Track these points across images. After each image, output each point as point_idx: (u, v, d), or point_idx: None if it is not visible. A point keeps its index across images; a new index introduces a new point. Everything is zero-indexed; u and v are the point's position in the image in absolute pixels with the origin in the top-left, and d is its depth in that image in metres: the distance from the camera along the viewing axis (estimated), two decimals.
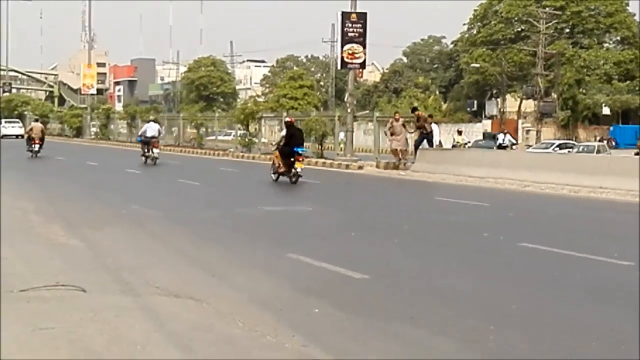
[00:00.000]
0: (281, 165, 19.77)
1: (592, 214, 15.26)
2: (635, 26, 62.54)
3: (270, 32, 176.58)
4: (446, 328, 6.03)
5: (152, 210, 13.49)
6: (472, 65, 61.89)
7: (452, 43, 77.24)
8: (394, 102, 67.65)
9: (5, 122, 59.44)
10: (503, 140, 38.17)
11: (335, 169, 26.99)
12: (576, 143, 42.71)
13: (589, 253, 9.50)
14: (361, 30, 29.06)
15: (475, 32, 66.38)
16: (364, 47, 29.17)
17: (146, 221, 12.10)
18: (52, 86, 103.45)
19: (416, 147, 25.84)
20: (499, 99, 63.91)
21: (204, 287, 7.31)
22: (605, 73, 59.77)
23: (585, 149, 36.47)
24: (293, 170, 19.49)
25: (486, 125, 59.14)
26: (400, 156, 25.58)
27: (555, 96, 57.69)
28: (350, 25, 28.97)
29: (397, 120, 25.69)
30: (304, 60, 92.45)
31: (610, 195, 17.72)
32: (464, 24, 68.16)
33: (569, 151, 35.76)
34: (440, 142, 28.49)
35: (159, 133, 28.83)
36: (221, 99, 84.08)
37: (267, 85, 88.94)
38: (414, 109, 29.06)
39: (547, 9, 58.83)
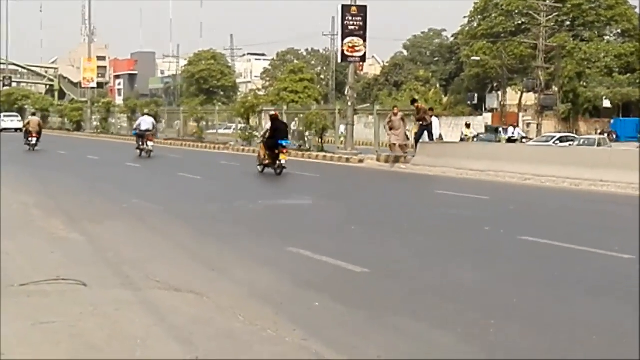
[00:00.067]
0: (266, 157, 20.41)
1: (593, 207, 15.26)
2: (635, 19, 62.38)
3: (271, 25, 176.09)
4: (447, 322, 6.03)
5: (152, 204, 13.49)
6: (473, 58, 61.75)
7: (452, 36, 77.17)
8: (395, 96, 67.54)
9: (4, 116, 59.55)
10: (512, 133, 38.02)
11: (336, 163, 26.97)
12: (577, 136, 42.60)
13: (589, 246, 9.50)
14: (361, 23, 29.00)
15: (475, 25, 66.24)
16: (365, 40, 29.11)
17: (146, 215, 12.10)
18: (52, 80, 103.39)
19: (417, 140, 25.77)
20: (499, 92, 63.81)
21: (204, 281, 7.32)
22: (606, 66, 59.67)
23: (586, 142, 36.38)
24: (277, 162, 20.12)
25: (487, 118, 59.07)
26: (399, 151, 25.43)
27: (556, 89, 57.58)
28: (350, 18, 28.91)
29: (395, 114, 25.57)
30: (305, 54, 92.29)
31: (611, 188, 17.71)
32: (465, 17, 68.10)
33: (569, 144, 35.69)
34: (440, 135, 28.45)
35: (153, 126, 29.74)
36: (221, 93, 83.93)
37: (268, 79, 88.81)
38: (414, 101, 28.98)
39: (547, 1, 58.65)
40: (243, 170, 22.01)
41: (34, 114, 35.67)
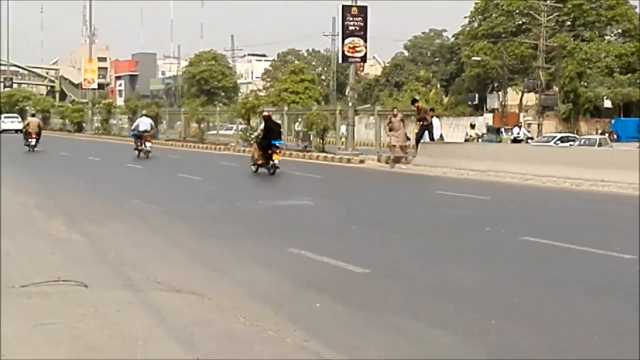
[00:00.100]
0: (260, 157, 20.69)
1: (594, 207, 15.25)
2: (636, 19, 62.38)
3: (271, 26, 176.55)
4: (447, 322, 6.03)
5: (153, 205, 13.50)
6: (474, 58, 61.75)
7: (453, 36, 77.19)
8: (395, 96, 67.52)
9: (5, 117, 59.70)
10: (518, 133, 37.97)
11: (337, 163, 26.97)
12: (577, 136, 42.59)
13: (590, 246, 9.49)
14: (362, 23, 29.01)
15: (476, 25, 66.25)
16: (365, 41, 29.11)
17: (147, 215, 12.11)
18: (53, 81, 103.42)
19: (417, 140, 25.75)
20: (500, 92, 63.82)
21: (205, 282, 7.32)
22: (607, 66, 59.67)
23: (587, 142, 36.38)
24: (271, 162, 20.39)
25: (487, 118, 59.04)
26: (399, 152, 25.38)
27: (557, 89, 57.59)
28: (351, 18, 28.92)
29: (395, 115, 25.51)
30: (305, 54, 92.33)
31: (611, 188, 17.70)
32: (465, 17, 68.12)
33: (570, 144, 35.68)
34: (441, 135, 28.42)
35: (152, 127, 30.05)
36: (222, 93, 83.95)
37: (268, 80, 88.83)
38: (414, 101, 28.92)
39: (548, 1, 58.66)
40: (243, 171, 22.00)
41: (33, 115, 35.86)
